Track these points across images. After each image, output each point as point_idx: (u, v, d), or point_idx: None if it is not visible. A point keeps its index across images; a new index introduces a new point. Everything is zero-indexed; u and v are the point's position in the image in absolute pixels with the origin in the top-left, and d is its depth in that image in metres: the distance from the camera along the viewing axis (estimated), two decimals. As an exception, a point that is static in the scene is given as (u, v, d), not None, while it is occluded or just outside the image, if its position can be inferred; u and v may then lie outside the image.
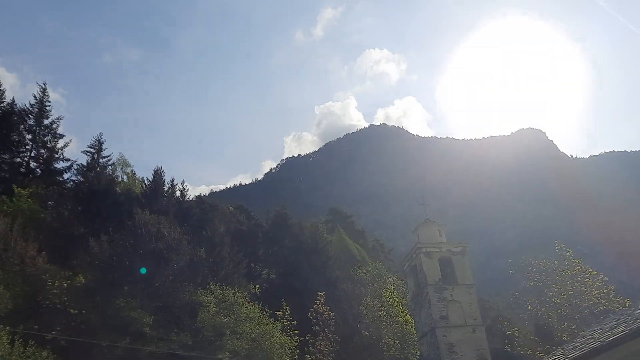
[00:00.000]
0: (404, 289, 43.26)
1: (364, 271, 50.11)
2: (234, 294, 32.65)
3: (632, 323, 11.29)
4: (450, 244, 29.03)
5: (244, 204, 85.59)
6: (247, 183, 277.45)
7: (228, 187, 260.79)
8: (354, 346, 41.40)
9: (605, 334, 12.54)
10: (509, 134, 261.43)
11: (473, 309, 26.74)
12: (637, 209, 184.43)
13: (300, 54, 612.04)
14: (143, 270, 28.80)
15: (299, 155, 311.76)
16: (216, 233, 44.71)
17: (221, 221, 53.35)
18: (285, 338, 32.14)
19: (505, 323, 36.67)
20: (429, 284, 27.01)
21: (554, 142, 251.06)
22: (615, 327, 12.58)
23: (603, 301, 29.28)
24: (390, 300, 41.96)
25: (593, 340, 12.82)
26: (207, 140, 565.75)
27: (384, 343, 40.44)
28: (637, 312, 12.94)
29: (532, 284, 32.48)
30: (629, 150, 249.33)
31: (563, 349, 16.58)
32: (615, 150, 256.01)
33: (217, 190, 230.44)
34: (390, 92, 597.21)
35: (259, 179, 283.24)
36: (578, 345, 14.20)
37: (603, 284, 30.54)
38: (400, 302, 41.85)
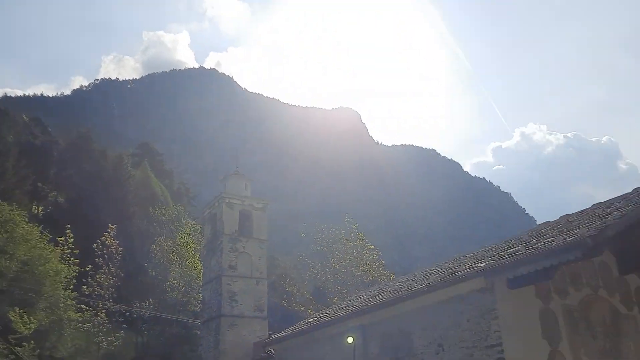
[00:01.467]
0: (200, 235, 43.39)
1: (163, 212, 49.05)
2: (11, 210, 29.43)
3: (390, 293, 12.92)
4: (253, 199, 29.74)
5: (43, 117, 76.86)
6: (51, 95, 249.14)
7: (27, 94, 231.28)
8: (137, 284, 40.57)
9: (368, 299, 14.21)
10: (330, 109, 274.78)
11: (261, 263, 27.92)
12: (419, 199, 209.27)
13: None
14: None
15: (117, 79, 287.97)
16: (2, 141, 39.60)
17: (10, 129, 47.34)
18: (63, 266, 30.06)
19: (288, 280, 39.16)
20: (225, 234, 27.44)
21: (367, 126, 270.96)
22: (377, 294, 14.31)
23: (373, 272, 32.99)
24: (184, 244, 41.87)
25: (357, 304, 14.43)
26: (8, 33, 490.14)
27: (168, 285, 40.36)
28: (397, 284, 14.84)
29: (318, 248, 35.19)
30: (423, 147, 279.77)
31: (331, 308, 18.37)
32: (414, 144, 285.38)
33: (13, 96, 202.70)
34: (227, 38, 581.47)
35: (66, 94, 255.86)
36: (343, 307, 15.87)
37: (377, 257, 34.43)
38: (194, 248, 42.00)
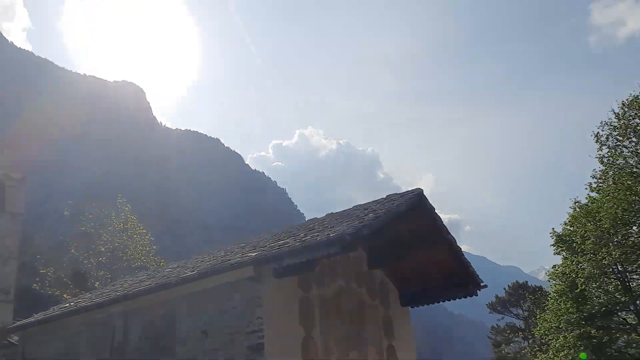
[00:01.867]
0: None
1: None
2: None
3: (158, 279, 12.62)
4: (9, 169, 26.19)
5: None
6: None
7: None
8: None
9: (133, 285, 13.65)
10: (112, 81, 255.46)
11: (12, 241, 24.77)
12: (198, 186, 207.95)
13: None
14: None
15: None
16: None
17: None
18: None
19: (43, 262, 35.41)
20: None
21: (151, 105, 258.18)
22: (144, 280, 13.84)
23: (143, 258, 31.78)
24: None
25: (122, 289, 13.76)
26: None
27: None
28: (167, 270, 14.56)
29: (83, 229, 32.54)
30: (207, 135, 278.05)
31: (91, 293, 17.19)
32: (199, 131, 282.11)
33: None
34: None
35: None
36: (105, 292, 14.99)
37: (148, 242, 33.24)
38: None
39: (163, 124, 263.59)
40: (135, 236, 32.59)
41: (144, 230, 33.61)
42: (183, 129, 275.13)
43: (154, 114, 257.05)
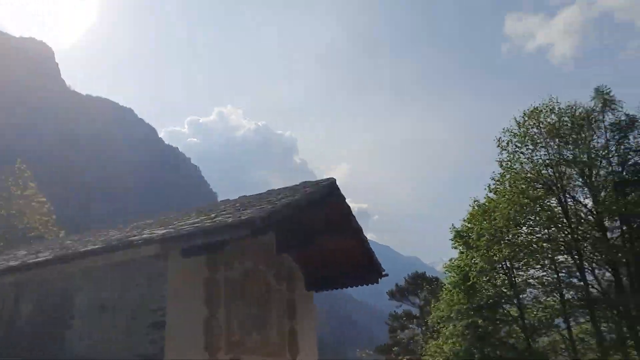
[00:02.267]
0: None
1: None
2: None
3: (58, 250, 12.13)
4: None
5: None
6: None
7: None
8: None
9: (28, 255, 13.00)
10: (18, 36, 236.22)
11: None
12: (107, 155, 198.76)
13: None
14: None
15: None
16: None
17: None
18: None
19: None
20: None
21: (60, 67, 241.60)
22: (41, 251, 13.23)
23: (40, 227, 30.15)
24: None
25: (15, 258, 13.07)
26: None
27: None
28: (68, 242, 14.00)
29: (-25, 192, 30.33)
30: (120, 104, 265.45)
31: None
32: (111, 99, 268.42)
33: None
34: None
35: None
36: (-3, 261, 14.16)
37: (48, 211, 31.56)
38: None
39: (72, 88, 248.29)
40: (34, 204, 30.80)
41: (44, 199, 31.85)
42: (94, 95, 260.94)
43: (63, 77, 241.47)
